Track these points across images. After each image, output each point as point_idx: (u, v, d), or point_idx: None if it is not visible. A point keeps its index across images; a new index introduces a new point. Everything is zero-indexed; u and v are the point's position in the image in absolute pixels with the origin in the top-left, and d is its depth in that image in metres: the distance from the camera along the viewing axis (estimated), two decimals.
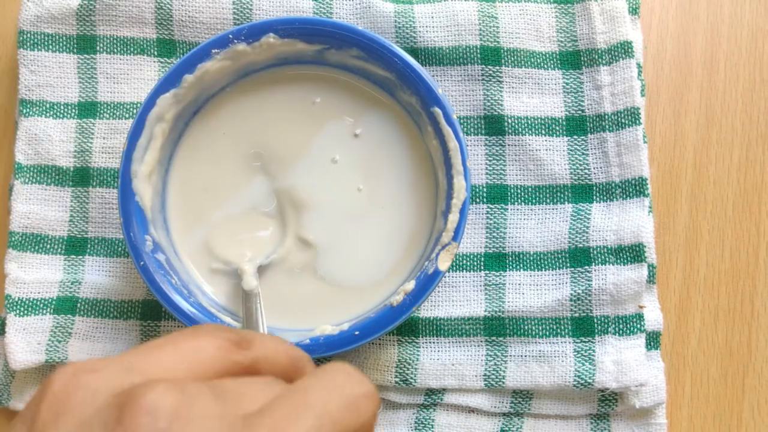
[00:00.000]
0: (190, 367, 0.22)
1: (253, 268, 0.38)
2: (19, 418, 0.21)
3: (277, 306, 0.39)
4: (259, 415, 0.20)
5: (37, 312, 0.40)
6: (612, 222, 0.41)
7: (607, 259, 0.40)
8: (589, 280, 0.40)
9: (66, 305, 0.41)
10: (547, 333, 0.40)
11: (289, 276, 0.39)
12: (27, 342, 0.40)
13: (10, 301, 0.40)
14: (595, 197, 0.41)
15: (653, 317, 0.41)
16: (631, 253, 0.40)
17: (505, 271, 0.41)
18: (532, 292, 0.41)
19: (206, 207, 0.40)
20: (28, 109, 0.42)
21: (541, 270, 0.41)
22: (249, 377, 0.23)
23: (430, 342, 0.41)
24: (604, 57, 0.42)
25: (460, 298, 0.41)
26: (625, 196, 0.41)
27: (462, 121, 0.42)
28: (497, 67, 0.42)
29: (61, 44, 0.42)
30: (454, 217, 0.36)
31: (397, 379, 0.40)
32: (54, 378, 0.21)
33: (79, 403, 0.20)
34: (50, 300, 0.41)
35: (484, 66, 0.42)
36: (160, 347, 0.22)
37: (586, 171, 0.41)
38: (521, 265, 0.41)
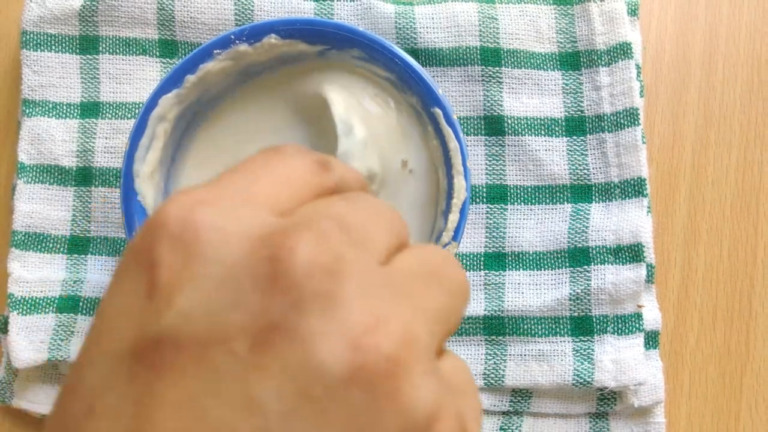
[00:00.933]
0: (292, 193, 0.20)
1: None
2: (126, 262, 0.18)
3: None
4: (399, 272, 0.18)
5: (39, 311, 0.41)
6: (611, 222, 0.41)
7: (606, 258, 0.40)
8: (588, 280, 0.40)
9: (68, 304, 0.41)
10: (547, 332, 0.41)
11: None
12: (30, 340, 0.40)
13: (13, 299, 0.40)
14: (594, 197, 0.42)
15: (652, 317, 0.41)
16: (630, 253, 0.40)
17: (505, 270, 0.41)
18: (532, 292, 0.41)
19: None
20: (31, 109, 0.42)
21: (541, 269, 0.41)
22: (347, 196, 0.21)
23: None
24: (603, 58, 0.42)
25: None
26: (624, 196, 0.41)
27: (462, 121, 0.42)
28: (497, 68, 0.42)
29: (63, 45, 0.43)
30: (454, 217, 0.37)
31: None
32: (166, 211, 0.18)
33: (209, 246, 0.17)
34: (53, 299, 0.41)
35: (484, 67, 0.42)
36: (257, 174, 0.20)
37: (586, 171, 0.42)
38: (521, 265, 0.41)
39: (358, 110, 0.38)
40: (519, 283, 0.41)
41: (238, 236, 0.17)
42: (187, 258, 0.17)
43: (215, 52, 0.38)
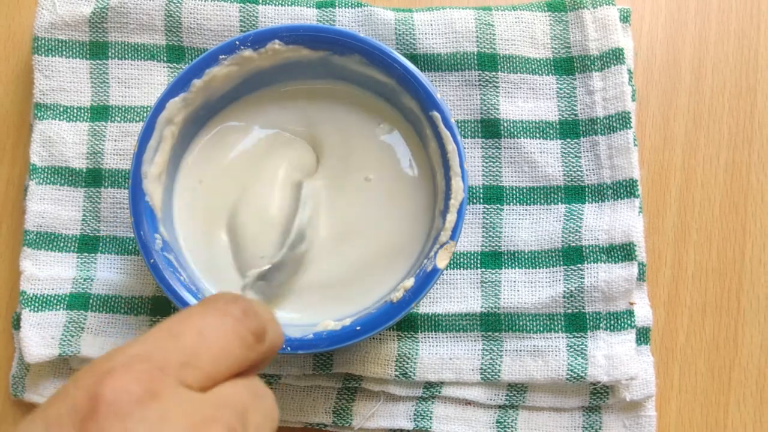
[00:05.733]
0: (216, 367, 0.22)
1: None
2: (35, 421, 0.20)
3: (280, 302, 0.39)
4: None
5: (50, 308, 0.41)
6: (603, 222, 0.41)
7: (599, 257, 0.41)
8: (581, 278, 0.41)
9: (79, 301, 0.41)
10: (541, 329, 0.41)
11: (293, 272, 0.40)
12: (41, 336, 0.41)
13: (25, 297, 0.41)
14: (587, 198, 0.42)
15: (643, 313, 0.42)
16: (622, 252, 0.41)
17: (501, 269, 0.42)
18: (527, 290, 0.42)
19: (214, 207, 0.40)
20: (42, 113, 0.43)
21: (536, 268, 0.42)
22: (257, 390, 0.24)
23: (428, 337, 0.42)
24: (596, 63, 0.43)
25: (457, 294, 0.42)
26: (616, 197, 0.42)
27: (460, 124, 0.43)
28: (493, 73, 0.43)
29: (74, 50, 0.43)
30: (451, 217, 0.37)
31: (396, 373, 0.41)
32: (82, 383, 0.20)
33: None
34: (63, 296, 0.42)
35: (481, 72, 0.43)
36: (187, 339, 0.22)
37: (579, 173, 0.42)
38: (516, 263, 0.42)
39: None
40: (515, 281, 0.42)
41: (172, 421, 0.20)
42: None
43: (221, 57, 0.38)
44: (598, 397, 0.41)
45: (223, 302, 0.24)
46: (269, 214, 0.40)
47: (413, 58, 0.43)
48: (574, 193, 0.42)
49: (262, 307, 0.25)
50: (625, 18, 0.44)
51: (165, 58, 0.44)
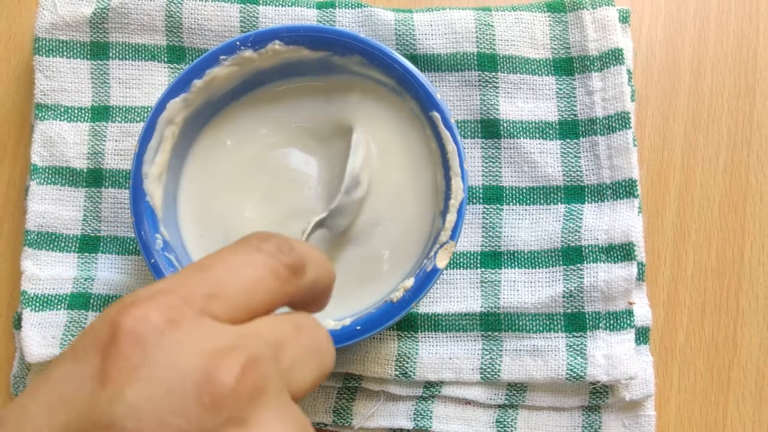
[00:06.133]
0: (251, 301, 0.22)
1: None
2: (84, 342, 0.20)
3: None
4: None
5: (51, 307, 0.41)
6: (603, 222, 0.42)
7: (599, 257, 0.41)
8: (581, 278, 0.41)
9: (79, 301, 0.42)
10: (541, 328, 0.41)
11: (353, 217, 0.40)
12: (42, 336, 0.41)
13: (26, 297, 0.41)
14: (586, 198, 0.42)
15: (642, 313, 0.42)
16: (622, 252, 0.41)
17: (501, 268, 0.42)
18: (527, 289, 0.42)
19: (215, 207, 0.41)
20: (43, 113, 0.43)
21: (535, 268, 0.42)
22: (299, 323, 0.23)
23: (428, 337, 0.42)
24: (595, 64, 0.43)
25: (457, 294, 0.42)
26: (615, 197, 0.42)
27: (459, 124, 0.43)
28: (493, 73, 0.43)
29: (75, 50, 0.43)
30: (451, 217, 0.37)
31: (396, 372, 0.41)
32: (133, 307, 0.20)
33: (164, 352, 0.19)
34: (64, 296, 0.42)
35: (480, 72, 0.43)
36: (222, 274, 0.22)
37: (578, 173, 0.43)
38: (516, 263, 0.42)
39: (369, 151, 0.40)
40: (514, 281, 0.42)
41: (190, 347, 0.19)
42: (144, 357, 0.19)
43: (221, 57, 0.38)
44: (598, 396, 0.41)
45: (257, 240, 0.23)
46: (304, 174, 0.41)
47: (413, 58, 0.43)
48: (574, 193, 0.42)
49: (302, 244, 0.24)
50: (624, 18, 0.44)
51: (166, 59, 0.44)
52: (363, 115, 0.40)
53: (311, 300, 0.25)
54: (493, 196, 0.43)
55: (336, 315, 0.38)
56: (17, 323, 0.42)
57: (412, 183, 0.40)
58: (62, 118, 0.43)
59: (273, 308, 0.23)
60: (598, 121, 0.42)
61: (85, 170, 0.43)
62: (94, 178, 0.43)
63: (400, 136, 0.40)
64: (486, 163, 0.43)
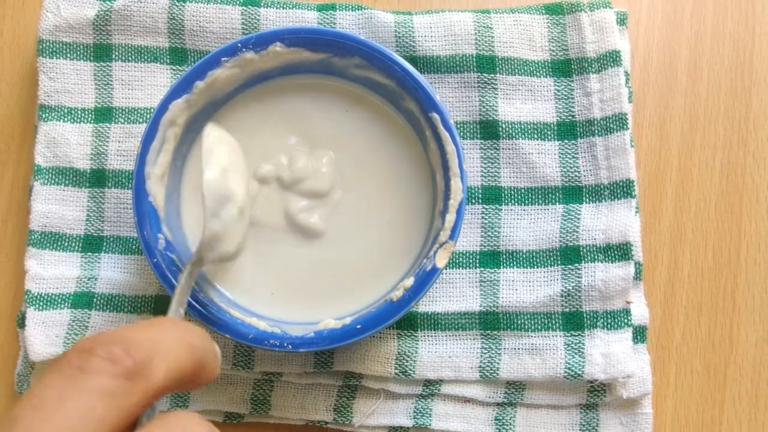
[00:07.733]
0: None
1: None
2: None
3: (282, 301, 0.40)
4: None
5: (55, 306, 0.42)
6: (601, 222, 0.42)
7: (596, 257, 0.41)
8: (579, 277, 0.41)
9: (83, 300, 0.42)
10: (539, 327, 0.42)
11: (294, 272, 0.40)
12: (46, 335, 0.41)
13: (30, 296, 0.42)
14: (584, 198, 0.43)
15: (640, 312, 0.42)
16: (619, 252, 0.41)
17: (500, 268, 0.42)
18: (525, 289, 0.42)
19: None
20: (47, 114, 0.43)
21: (534, 267, 0.42)
22: None
23: (428, 335, 0.42)
24: (593, 65, 0.43)
25: (456, 293, 0.42)
26: (613, 197, 0.42)
27: (459, 125, 0.43)
28: (492, 75, 0.43)
29: (78, 52, 0.44)
30: (451, 217, 0.37)
31: (396, 371, 0.41)
32: None
33: None
34: (68, 295, 0.42)
35: (479, 74, 0.43)
36: (48, 414, 0.18)
37: (576, 173, 0.43)
38: (515, 263, 0.42)
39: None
40: (513, 281, 0.42)
41: None
42: None
43: (223, 59, 0.39)
44: (596, 394, 0.42)
45: (78, 357, 0.20)
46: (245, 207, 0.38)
47: (413, 60, 0.43)
48: (572, 193, 0.43)
49: (145, 332, 0.21)
50: (621, 21, 0.45)
51: (168, 61, 0.44)
52: (347, 125, 0.41)
53: (182, 385, 0.22)
54: (492, 196, 0.43)
55: (336, 314, 0.39)
56: (21, 322, 0.42)
57: (411, 183, 0.40)
58: (65, 119, 0.43)
59: (125, 427, 0.20)
60: (595, 122, 0.43)
61: (88, 171, 0.43)
62: (97, 178, 0.43)
63: (384, 149, 0.40)
64: (485, 163, 0.43)
